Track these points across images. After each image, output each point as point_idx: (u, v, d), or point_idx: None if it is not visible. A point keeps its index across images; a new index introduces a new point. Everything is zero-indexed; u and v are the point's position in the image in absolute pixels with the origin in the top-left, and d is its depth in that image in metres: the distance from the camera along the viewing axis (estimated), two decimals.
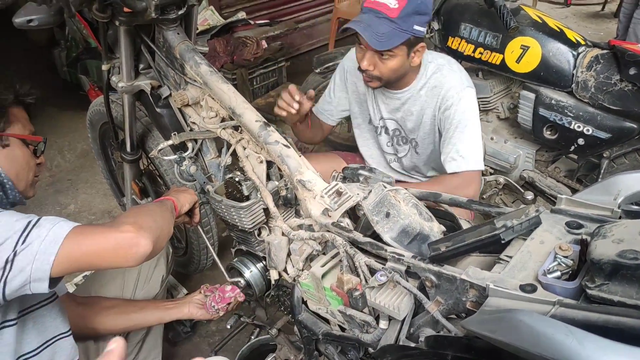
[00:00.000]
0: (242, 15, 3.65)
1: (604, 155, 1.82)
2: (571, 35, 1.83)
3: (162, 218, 1.19)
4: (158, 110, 1.52)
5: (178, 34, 1.39)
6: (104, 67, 1.47)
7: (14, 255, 0.95)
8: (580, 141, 1.81)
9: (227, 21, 3.48)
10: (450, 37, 2.04)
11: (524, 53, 1.82)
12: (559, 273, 0.80)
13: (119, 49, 1.41)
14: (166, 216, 1.22)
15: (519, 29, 1.79)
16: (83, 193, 2.90)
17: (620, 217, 0.90)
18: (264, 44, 3.26)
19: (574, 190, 1.97)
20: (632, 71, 1.65)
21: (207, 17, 3.51)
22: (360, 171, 1.30)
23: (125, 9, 1.24)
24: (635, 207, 0.91)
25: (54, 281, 1.00)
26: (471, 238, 0.88)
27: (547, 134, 1.90)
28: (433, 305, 0.94)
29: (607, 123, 1.74)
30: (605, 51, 1.79)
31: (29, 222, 0.99)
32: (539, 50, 1.80)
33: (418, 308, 1.00)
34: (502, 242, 0.86)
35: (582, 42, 1.83)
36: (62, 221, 1.03)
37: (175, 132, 1.45)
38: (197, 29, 3.40)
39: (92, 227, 1.11)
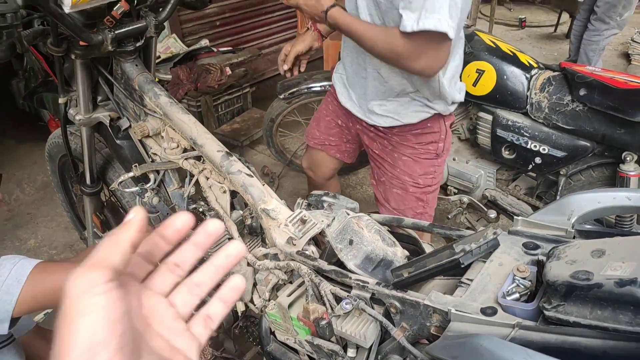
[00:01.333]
0: (205, 42, 3.66)
1: (561, 172, 1.89)
2: (524, 58, 1.91)
3: None
4: (118, 142, 1.50)
5: (136, 65, 1.38)
6: (61, 101, 1.45)
7: None
8: (538, 160, 1.86)
9: (190, 49, 3.48)
10: None
11: (480, 77, 1.89)
12: (517, 295, 0.82)
13: (75, 82, 1.39)
14: None
15: (473, 54, 1.85)
16: (43, 227, 2.81)
17: (574, 237, 0.92)
18: (228, 70, 3.27)
19: (535, 207, 2.03)
20: (582, 92, 1.73)
21: (170, 44, 3.50)
22: (324, 198, 1.30)
23: (81, 43, 1.23)
24: (587, 227, 0.94)
25: (13, 321, 0.97)
26: (432, 263, 0.89)
27: (505, 153, 1.95)
28: (399, 332, 0.94)
29: (562, 142, 1.80)
30: (556, 73, 1.87)
31: None
32: (494, 74, 1.87)
33: (385, 335, 1.00)
34: (462, 266, 0.87)
35: (535, 65, 1.91)
36: (22, 259, 1.01)
37: (137, 164, 1.43)
38: (160, 57, 3.40)
39: (54, 263, 1.08)
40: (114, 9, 1.20)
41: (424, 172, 1.71)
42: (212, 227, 0.46)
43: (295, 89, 2.66)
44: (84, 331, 0.35)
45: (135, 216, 0.40)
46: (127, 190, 1.50)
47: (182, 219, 0.44)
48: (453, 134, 2.20)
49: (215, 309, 0.46)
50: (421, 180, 1.72)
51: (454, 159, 2.17)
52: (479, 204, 2.10)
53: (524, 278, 0.84)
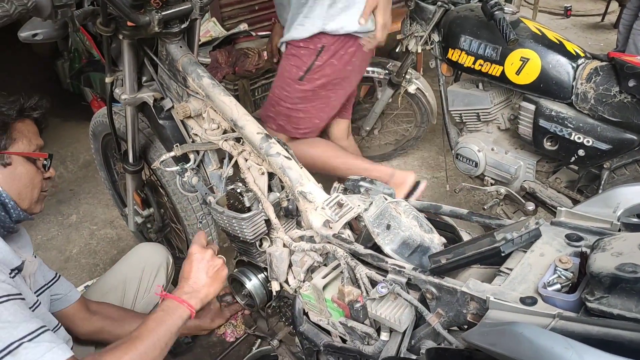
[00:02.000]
0: (243, 27, 3.68)
1: (605, 166, 1.83)
2: (570, 47, 1.85)
3: (162, 350, 1.08)
4: (160, 122, 1.53)
5: (181, 47, 1.40)
6: (108, 80, 1.49)
7: None
8: (581, 152, 1.81)
9: (229, 33, 3.51)
10: (450, 49, 2.05)
11: (524, 65, 1.84)
12: (559, 286, 0.81)
13: (122, 62, 1.42)
14: (170, 342, 1.12)
15: (518, 42, 1.81)
16: (85, 203, 2.91)
17: (619, 230, 0.90)
18: (266, 55, 3.28)
19: (575, 201, 1.97)
20: (631, 83, 1.66)
21: (210, 28, 3.53)
22: (362, 183, 1.30)
23: (129, 23, 1.26)
24: (634, 220, 0.92)
25: None
26: (471, 250, 0.88)
27: (547, 145, 1.90)
28: (434, 318, 0.94)
29: (607, 134, 1.74)
30: (604, 63, 1.80)
31: (8, 346, 0.90)
32: (539, 62, 1.82)
33: (419, 320, 1.00)
34: (502, 254, 0.86)
35: (582, 54, 1.85)
36: (48, 352, 0.93)
37: (178, 144, 1.46)
38: (200, 41, 3.43)
39: None
40: None
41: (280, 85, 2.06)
42: None
43: None
44: None
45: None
46: (167, 169, 1.53)
47: None
48: (493, 123, 2.16)
49: None
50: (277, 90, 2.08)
51: (492, 149, 2.13)
52: (517, 195, 2.06)
53: (566, 269, 0.83)
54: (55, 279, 1.36)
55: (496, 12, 1.78)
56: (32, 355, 0.91)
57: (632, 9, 3.65)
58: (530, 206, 2.01)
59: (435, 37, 2.15)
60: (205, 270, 1.24)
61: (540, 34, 1.87)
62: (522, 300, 0.80)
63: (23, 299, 1.02)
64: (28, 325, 0.95)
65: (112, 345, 1.04)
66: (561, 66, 1.80)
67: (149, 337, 1.06)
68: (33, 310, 1.10)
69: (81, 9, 1.20)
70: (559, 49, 1.83)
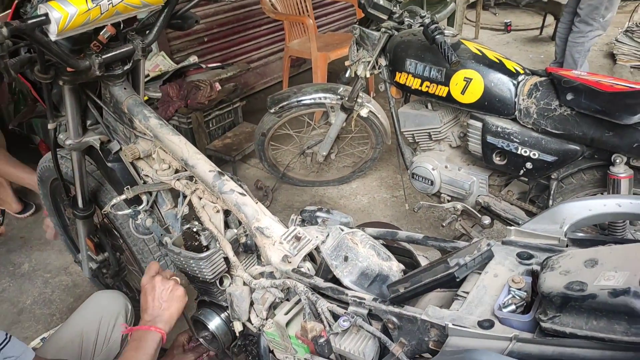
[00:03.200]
0: (193, 59, 3.67)
1: (552, 176, 1.89)
2: (510, 65, 1.92)
3: None
4: (109, 165, 1.49)
5: (125, 88, 1.38)
6: (50, 126, 1.44)
7: None
8: (529, 165, 1.87)
9: (179, 66, 3.49)
10: (397, 73, 2.10)
11: (468, 85, 1.90)
12: (514, 306, 0.82)
13: (64, 107, 1.39)
14: None
15: (460, 63, 1.87)
16: (37, 250, 2.79)
17: (567, 245, 0.93)
18: (218, 86, 3.27)
19: (528, 212, 2.03)
20: (569, 96, 1.74)
21: (159, 62, 3.50)
22: (318, 213, 1.30)
23: (69, 69, 1.23)
24: (580, 235, 0.95)
25: None
26: (427, 278, 0.89)
27: (496, 160, 1.96)
28: (397, 347, 0.94)
29: (552, 146, 1.81)
30: (543, 78, 1.88)
31: None
32: (481, 82, 1.88)
33: (383, 350, 1.00)
34: (457, 279, 0.87)
35: (521, 71, 1.92)
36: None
37: (128, 186, 1.43)
38: (148, 75, 3.40)
39: None
40: (101, 33, 1.20)
41: None
42: None
43: (285, 103, 2.67)
44: None
45: None
46: (119, 212, 1.49)
47: None
48: (444, 141, 2.21)
49: None
50: None
51: (446, 167, 2.17)
52: (473, 210, 2.11)
53: (520, 289, 0.84)
54: (7, 341, 1.29)
55: (437, 36, 1.84)
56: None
57: (566, 23, 3.85)
58: (487, 220, 2.06)
59: (382, 62, 2.20)
60: (159, 296, 1.28)
61: (481, 54, 1.94)
62: (480, 324, 0.81)
63: None
64: None
65: None
66: (503, 84, 1.87)
67: None
68: None
69: (17, 58, 1.16)
70: (499, 67, 1.90)
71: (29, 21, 0.99)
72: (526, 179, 2.06)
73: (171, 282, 1.31)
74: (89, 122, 1.48)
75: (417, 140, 2.26)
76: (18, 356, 1.29)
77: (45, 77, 1.23)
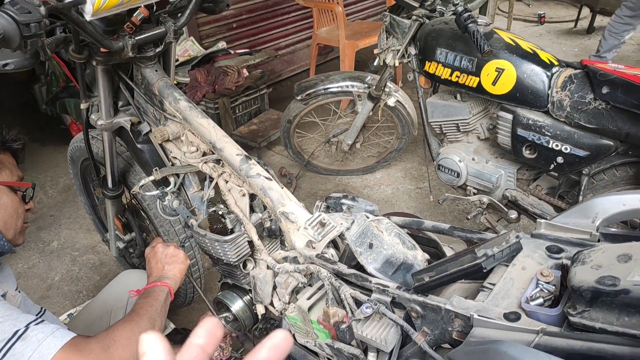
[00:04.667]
0: (222, 45, 3.68)
1: (584, 172, 1.85)
2: (544, 56, 1.87)
3: (158, 325, 1.21)
4: (139, 146, 1.51)
5: (156, 70, 1.39)
6: (83, 106, 1.47)
7: None
8: (559, 159, 1.83)
9: (207, 51, 3.51)
10: (427, 62, 2.07)
11: (499, 75, 1.86)
12: (541, 300, 0.81)
13: (97, 88, 1.41)
14: (162, 318, 1.25)
15: (492, 53, 1.83)
16: (66, 229, 2.86)
17: (598, 240, 0.91)
18: (245, 72, 3.28)
19: (557, 208, 1.99)
20: (604, 90, 1.69)
21: (188, 47, 3.53)
22: (343, 200, 1.30)
23: (102, 49, 1.25)
24: (612, 230, 0.93)
25: None
26: (453, 267, 0.88)
27: (526, 153, 1.92)
28: (420, 336, 0.93)
29: (584, 141, 1.77)
30: (577, 71, 1.83)
31: (16, 333, 0.93)
32: (514, 72, 1.84)
33: (405, 339, 0.99)
34: (484, 270, 0.86)
35: (555, 63, 1.88)
36: (51, 336, 0.95)
37: (157, 168, 1.45)
38: (178, 60, 3.42)
39: (85, 343, 1.00)
40: (134, 15, 1.22)
41: None
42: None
43: (312, 90, 2.66)
44: None
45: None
46: (147, 193, 1.51)
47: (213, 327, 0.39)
48: (472, 133, 2.17)
49: None
50: None
51: (473, 159, 2.14)
52: (499, 204, 2.08)
53: (548, 282, 0.83)
54: (41, 313, 1.33)
55: (469, 25, 1.80)
56: (42, 334, 0.94)
57: (621, 17, 3.79)
58: (513, 214, 2.03)
59: (412, 51, 2.17)
60: (160, 260, 1.38)
61: (514, 44, 1.90)
62: (506, 316, 0.80)
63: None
64: (27, 316, 0.98)
65: (116, 324, 1.13)
66: (536, 75, 1.83)
67: (145, 314, 1.19)
68: None
69: (52, 37, 1.18)
70: (533, 58, 1.86)
71: (66, 0, 1.00)
72: (556, 174, 2.01)
73: (171, 247, 1.41)
74: (120, 104, 1.50)
75: (444, 132, 2.23)
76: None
77: (79, 57, 1.25)
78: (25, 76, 3.99)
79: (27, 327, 0.95)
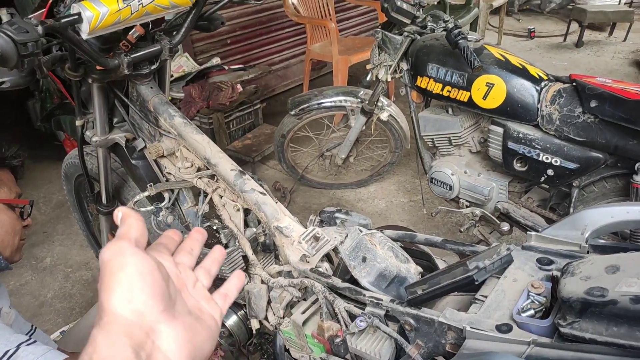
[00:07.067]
0: (216, 60, 3.72)
1: (574, 184, 1.87)
2: (533, 71, 1.91)
3: None
4: (133, 162, 1.52)
5: (151, 87, 1.41)
6: (78, 123, 1.48)
7: None
8: (550, 172, 1.86)
9: (201, 67, 3.54)
10: (419, 77, 2.10)
11: (490, 90, 1.89)
12: (532, 311, 0.82)
13: (92, 105, 1.42)
14: None
15: (483, 68, 1.86)
16: (59, 245, 2.85)
17: (588, 252, 0.92)
18: (239, 87, 3.31)
19: (548, 219, 2.01)
20: (593, 104, 1.72)
21: (182, 63, 3.55)
22: (337, 214, 1.31)
23: (98, 67, 1.26)
24: (601, 241, 0.94)
25: None
26: (446, 280, 0.89)
27: (517, 166, 1.95)
28: (414, 349, 0.94)
29: (574, 154, 1.79)
30: (566, 85, 1.86)
31: (6, 353, 0.93)
32: (504, 87, 1.87)
33: (399, 352, 1.00)
34: (476, 283, 0.87)
35: (545, 77, 1.91)
36: (42, 357, 0.94)
37: (151, 184, 1.46)
38: (172, 76, 3.45)
39: None
40: (130, 33, 1.24)
41: None
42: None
43: (305, 105, 2.69)
44: (121, 281, 0.43)
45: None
46: (142, 209, 1.52)
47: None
48: (464, 146, 2.20)
49: (230, 287, 0.57)
50: None
51: (465, 172, 2.16)
52: (492, 216, 2.09)
53: (539, 294, 0.84)
54: (32, 332, 1.33)
55: (460, 41, 1.84)
56: (33, 356, 0.93)
57: None
58: (505, 226, 2.05)
59: (404, 66, 2.20)
60: None
61: (504, 59, 1.93)
62: (498, 328, 0.81)
63: None
64: (19, 336, 0.97)
65: None
66: (525, 89, 1.86)
67: None
68: None
69: (49, 55, 1.20)
70: (522, 73, 1.89)
71: (63, 20, 1.02)
72: (547, 186, 2.04)
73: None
74: (115, 120, 1.52)
75: (436, 145, 2.25)
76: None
77: (75, 75, 1.26)
78: (19, 92, 4.00)
79: (17, 347, 0.94)
